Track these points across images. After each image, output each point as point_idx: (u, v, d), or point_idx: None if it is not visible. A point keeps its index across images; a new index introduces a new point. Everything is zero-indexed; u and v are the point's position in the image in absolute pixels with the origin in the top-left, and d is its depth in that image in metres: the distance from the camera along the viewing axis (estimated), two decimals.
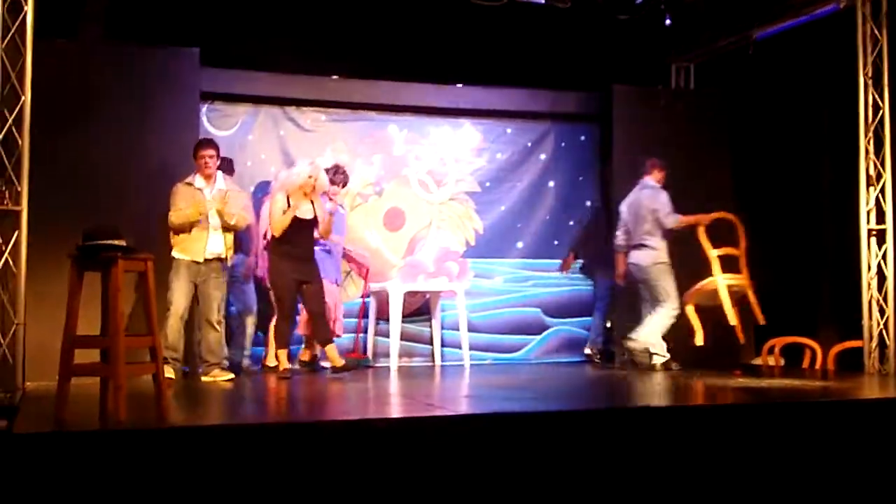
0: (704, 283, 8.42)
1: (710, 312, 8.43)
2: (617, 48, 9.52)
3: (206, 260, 7.62)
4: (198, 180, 7.66)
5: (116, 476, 4.62)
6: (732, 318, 8.30)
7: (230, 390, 7.31)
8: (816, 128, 10.08)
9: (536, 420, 5.61)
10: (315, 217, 7.87)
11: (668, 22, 8.49)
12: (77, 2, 8.59)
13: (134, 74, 8.09)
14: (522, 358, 9.61)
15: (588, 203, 10.00)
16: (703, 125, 9.75)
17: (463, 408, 6.37)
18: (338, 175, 8.43)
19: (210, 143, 7.79)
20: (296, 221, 7.74)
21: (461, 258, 9.54)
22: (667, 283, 8.44)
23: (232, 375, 7.71)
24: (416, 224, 9.52)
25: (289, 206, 7.74)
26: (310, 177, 7.80)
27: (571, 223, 9.89)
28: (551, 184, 9.91)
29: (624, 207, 8.77)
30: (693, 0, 8.28)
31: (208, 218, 7.61)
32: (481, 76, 9.69)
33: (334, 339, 8.09)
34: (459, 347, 9.18)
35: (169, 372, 7.30)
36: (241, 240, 8.17)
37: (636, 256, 8.59)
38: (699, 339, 8.37)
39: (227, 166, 8.13)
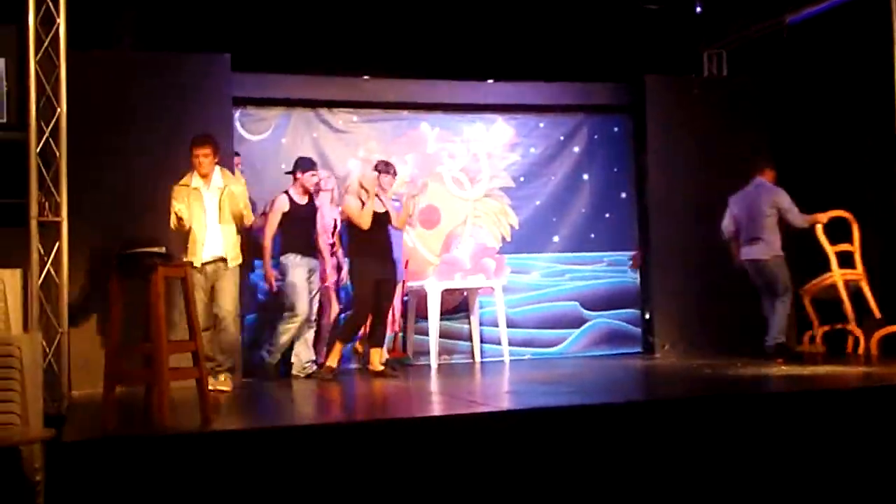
0: (823, 278, 8.69)
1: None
2: (648, 38, 9.46)
3: (206, 263, 7.31)
4: (194, 179, 7.37)
5: (163, 481, 4.67)
6: (850, 312, 8.52)
7: (272, 393, 7.34)
8: (854, 111, 9.96)
9: (579, 414, 5.60)
10: (387, 211, 8.00)
11: (698, 10, 8.40)
12: (109, 12, 8.68)
13: (167, 82, 8.13)
14: (562, 352, 9.57)
15: (623, 195, 9.92)
16: (737, 112, 9.67)
17: (505, 404, 6.37)
18: (389, 167, 8.47)
19: (204, 140, 7.37)
20: (374, 217, 7.89)
21: (497, 254, 9.51)
22: (785, 276, 8.48)
23: (229, 388, 7.32)
24: (451, 221, 9.51)
25: (363, 204, 7.92)
26: (375, 169, 8.11)
27: (607, 216, 9.83)
28: (585, 177, 9.87)
29: (735, 203, 8.73)
30: None
31: (204, 218, 7.32)
32: (512, 71, 9.66)
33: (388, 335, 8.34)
34: (499, 343, 9.16)
35: (223, 384, 7.28)
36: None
37: (754, 252, 8.57)
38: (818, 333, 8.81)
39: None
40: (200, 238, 7.29)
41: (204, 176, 7.35)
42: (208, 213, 7.32)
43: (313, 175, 8.24)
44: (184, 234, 7.33)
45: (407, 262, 9.09)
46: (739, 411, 5.73)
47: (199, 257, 7.25)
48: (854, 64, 9.59)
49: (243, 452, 4.89)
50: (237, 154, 8.40)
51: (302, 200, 8.19)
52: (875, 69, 8.88)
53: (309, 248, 8.19)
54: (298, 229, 8.13)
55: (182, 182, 7.37)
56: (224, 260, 7.36)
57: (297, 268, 8.01)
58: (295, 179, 8.20)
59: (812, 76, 9.82)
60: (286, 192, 8.17)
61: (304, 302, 7.95)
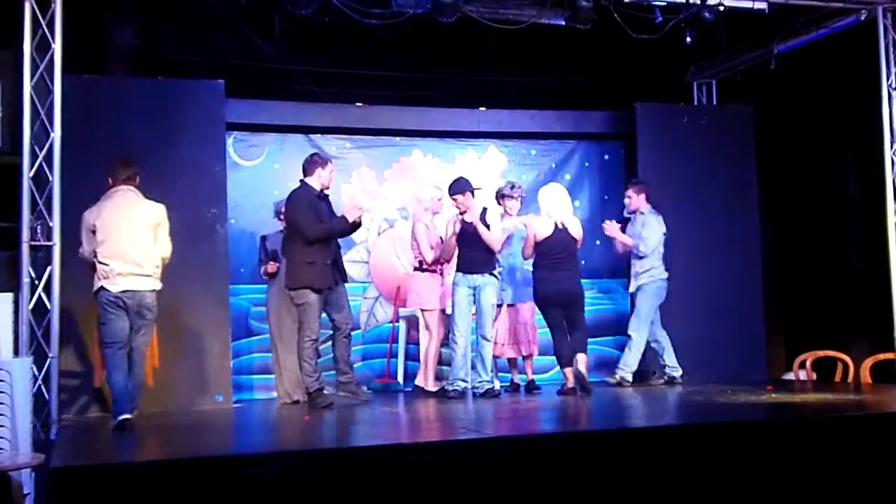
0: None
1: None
2: (639, 67, 9.55)
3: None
4: None
5: None
6: None
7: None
8: (841, 140, 10.07)
9: (571, 441, 5.61)
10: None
11: (688, 40, 8.49)
12: (104, 38, 8.74)
13: (161, 108, 8.19)
14: (555, 378, 9.56)
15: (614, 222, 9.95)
16: (727, 140, 9.78)
17: (496, 430, 6.37)
18: (515, 189, 8.61)
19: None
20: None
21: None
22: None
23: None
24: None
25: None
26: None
27: (598, 242, 9.87)
28: (577, 203, 9.89)
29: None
30: (713, 18, 8.28)
31: None
32: (504, 99, 9.74)
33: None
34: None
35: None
36: None
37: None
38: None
39: None
40: None
41: None
42: None
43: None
44: None
45: (399, 287, 9.11)
46: (731, 439, 5.74)
47: None
48: (841, 93, 9.72)
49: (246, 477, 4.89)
50: None
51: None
52: (861, 98, 9.00)
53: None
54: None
55: None
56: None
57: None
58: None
59: (799, 105, 9.93)
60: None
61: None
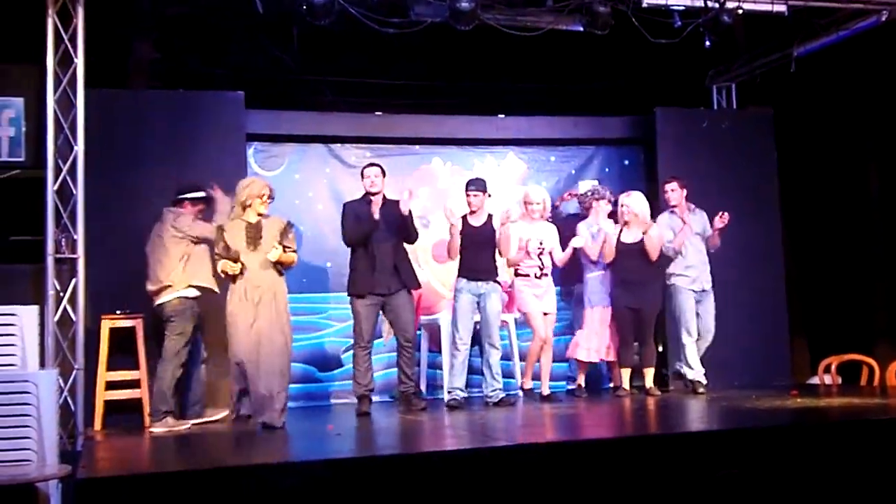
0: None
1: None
2: (658, 72, 9.54)
3: None
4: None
5: None
6: None
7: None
8: (862, 142, 10.02)
9: (594, 448, 5.60)
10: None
11: (707, 44, 8.47)
12: (125, 52, 8.81)
13: (182, 120, 8.26)
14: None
15: None
16: (747, 143, 9.74)
17: (519, 438, 6.37)
18: (605, 190, 8.85)
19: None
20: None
21: (510, 288, 9.52)
22: None
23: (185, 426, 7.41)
24: None
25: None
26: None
27: None
28: None
29: None
30: (732, 21, 8.26)
31: None
32: (523, 106, 9.75)
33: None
34: (512, 377, 9.16)
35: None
36: None
37: None
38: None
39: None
40: None
41: None
42: None
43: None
44: None
45: (419, 296, 9.12)
46: (758, 444, 5.72)
47: None
48: (862, 95, 9.67)
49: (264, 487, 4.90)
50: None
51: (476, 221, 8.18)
52: (883, 100, 8.95)
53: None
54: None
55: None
56: None
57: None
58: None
59: (820, 107, 9.88)
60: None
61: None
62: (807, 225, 10.41)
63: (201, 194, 7.56)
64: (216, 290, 7.41)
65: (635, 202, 8.50)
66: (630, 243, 8.43)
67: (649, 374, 8.61)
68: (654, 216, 8.64)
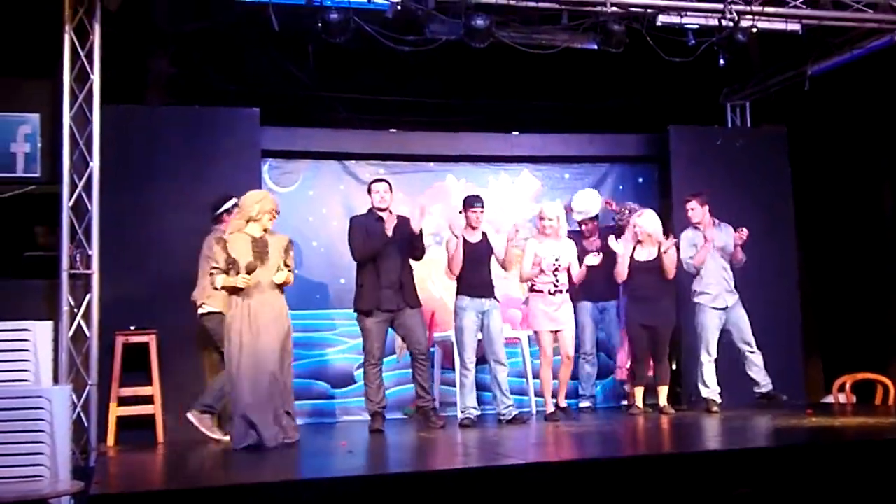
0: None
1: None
2: (672, 89, 9.54)
3: None
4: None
5: None
6: None
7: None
8: (877, 160, 10.00)
9: (607, 468, 5.58)
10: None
11: (721, 62, 8.46)
12: (142, 68, 8.86)
13: (197, 136, 8.30)
14: (589, 403, 9.51)
15: None
16: (761, 162, 9.73)
17: (531, 456, 6.35)
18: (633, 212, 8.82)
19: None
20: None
21: (524, 304, 9.51)
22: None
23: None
24: None
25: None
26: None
27: None
28: None
29: None
30: (746, 40, 8.26)
31: None
32: (537, 123, 9.75)
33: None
34: (525, 395, 9.13)
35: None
36: None
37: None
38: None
39: None
40: None
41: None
42: None
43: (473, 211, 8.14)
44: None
45: (433, 313, 9.11)
46: (773, 463, 5.69)
47: None
48: (876, 113, 9.65)
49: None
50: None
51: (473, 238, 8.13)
52: None
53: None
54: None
55: None
56: None
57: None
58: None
59: (834, 126, 9.87)
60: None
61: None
62: (821, 243, 10.37)
63: (234, 201, 7.51)
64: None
65: (647, 222, 8.47)
66: (644, 261, 8.41)
67: (663, 392, 8.56)
68: (668, 233, 8.60)
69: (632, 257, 8.45)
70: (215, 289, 6.89)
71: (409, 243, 7.80)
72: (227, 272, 6.75)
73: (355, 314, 7.86)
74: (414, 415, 8.36)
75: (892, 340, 9.74)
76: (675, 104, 9.86)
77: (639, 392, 8.57)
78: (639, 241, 8.47)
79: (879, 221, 9.93)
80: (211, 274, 6.87)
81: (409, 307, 7.84)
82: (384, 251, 7.76)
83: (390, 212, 7.85)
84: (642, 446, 6.98)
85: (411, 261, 7.97)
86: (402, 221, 7.79)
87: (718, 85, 10.11)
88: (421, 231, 7.79)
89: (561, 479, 5.35)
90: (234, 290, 6.80)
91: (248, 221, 6.95)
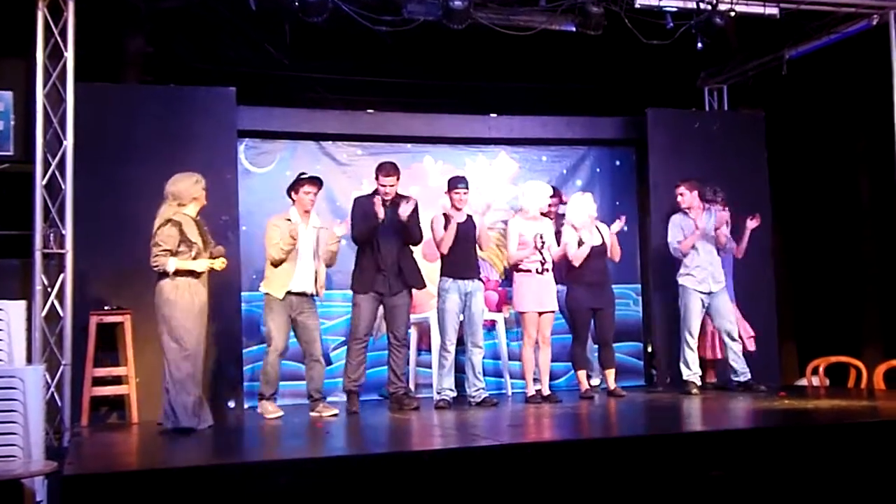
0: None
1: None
2: (650, 72, 9.55)
3: (292, 293, 7.55)
4: (294, 215, 7.68)
5: None
6: None
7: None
8: (853, 145, 10.05)
9: (581, 448, 5.60)
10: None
11: (699, 45, 8.47)
12: (117, 46, 8.78)
13: (173, 115, 8.23)
14: (564, 385, 9.55)
15: (625, 228, 9.94)
16: (738, 145, 9.75)
17: (506, 438, 6.36)
18: (718, 193, 8.80)
19: (315, 180, 7.80)
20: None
21: (500, 287, 9.53)
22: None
23: (336, 411, 7.59)
24: None
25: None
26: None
27: None
28: None
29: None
30: (724, 23, 8.27)
31: (298, 253, 7.59)
32: (515, 105, 9.74)
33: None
34: (501, 377, 9.15)
35: (272, 410, 7.55)
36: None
37: None
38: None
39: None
40: (288, 271, 7.55)
41: (306, 213, 7.68)
42: (303, 249, 7.62)
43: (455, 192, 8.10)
44: (276, 265, 7.56)
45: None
46: (744, 445, 5.72)
47: (282, 290, 7.53)
48: (853, 98, 9.70)
49: (250, 486, 4.88)
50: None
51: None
52: (874, 103, 8.97)
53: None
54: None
55: (284, 216, 7.67)
56: (308, 295, 7.66)
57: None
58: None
59: (811, 110, 9.91)
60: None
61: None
62: (797, 227, 10.43)
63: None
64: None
65: (572, 210, 8.47)
66: (594, 245, 8.36)
67: (611, 375, 8.53)
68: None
69: (580, 242, 8.35)
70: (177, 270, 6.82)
71: (404, 229, 7.76)
72: (175, 254, 6.77)
73: (352, 293, 7.87)
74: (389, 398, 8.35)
75: (866, 325, 9.83)
76: (653, 87, 9.87)
77: (582, 375, 8.52)
78: (574, 228, 8.40)
79: (855, 206, 10.01)
80: (174, 253, 6.79)
81: (408, 291, 7.87)
82: (383, 234, 7.75)
83: (399, 195, 7.83)
84: (614, 429, 7.02)
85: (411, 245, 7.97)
86: (396, 204, 7.73)
87: (696, 68, 10.13)
88: (414, 215, 7.75)
89: (534, 461, 5.37)
90: (190, 272, 6.85)
91: (182, 203, 6.98)
